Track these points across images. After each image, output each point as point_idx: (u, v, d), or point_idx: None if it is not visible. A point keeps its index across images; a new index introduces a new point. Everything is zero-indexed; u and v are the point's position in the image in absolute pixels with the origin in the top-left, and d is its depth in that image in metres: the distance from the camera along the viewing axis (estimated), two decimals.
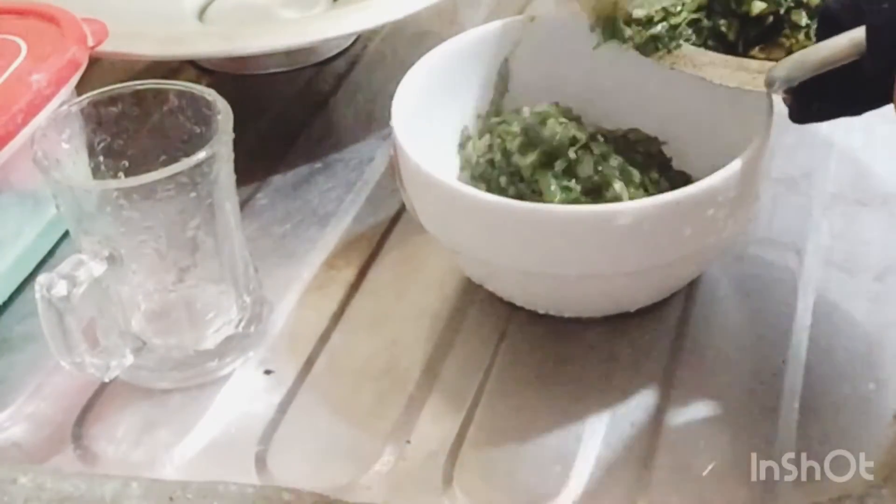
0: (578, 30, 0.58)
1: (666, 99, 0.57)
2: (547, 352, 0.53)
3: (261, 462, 0.49)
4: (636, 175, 0.54)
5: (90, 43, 0.57)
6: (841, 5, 0.46)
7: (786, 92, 0.48)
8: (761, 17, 0.53)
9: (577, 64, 0.58)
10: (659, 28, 0.52)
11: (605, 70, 0.58)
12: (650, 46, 0.53)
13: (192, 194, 0.49)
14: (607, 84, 0.58)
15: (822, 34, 0.46)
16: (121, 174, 0.53)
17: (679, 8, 0.53)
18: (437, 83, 0.56)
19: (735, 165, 0.49)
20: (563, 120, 0.55)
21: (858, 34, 0.44)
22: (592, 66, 0.58)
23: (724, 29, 0.53)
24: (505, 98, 0.59)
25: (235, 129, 0.50)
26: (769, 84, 0.48)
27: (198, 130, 0.52)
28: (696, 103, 0.56)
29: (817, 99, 0.48)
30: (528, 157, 0.53)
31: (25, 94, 0.53)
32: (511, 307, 0.55)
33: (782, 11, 0.53)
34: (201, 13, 0.72)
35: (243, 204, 0.61)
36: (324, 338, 0.55)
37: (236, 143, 0.50)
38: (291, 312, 0.56)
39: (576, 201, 0.52)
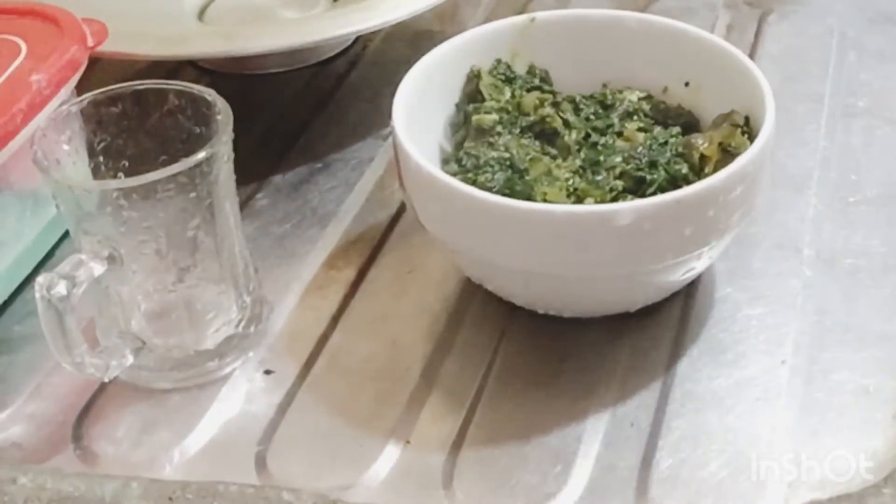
0: (578, 30, 0.58)
1: (667, 101, 0.57)
2: (547, 352, 0.53)
3: (261, 462, 0.49)
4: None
5: (90, 43, 0.57)
6: None
7: None
8: None
9: (578, 64, 0.58)
10: None
11: (605, 71, 0.58)
12: None
13: (192, 194, 0.49)
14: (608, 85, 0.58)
15: None
16: (121, 174, 0.53)
17: None
18: (437, 83, 0.56)
19: (735, 165, 0.49)
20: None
21: None
22: (592, 67, 0.58)
23: None
24: None
25: (235, 129, 0.50)
26: None
27: (198, 130, 0.52)
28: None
29: None
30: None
31: (25, 94, 0.53)
32: (511, 307, 0.55)
33: None
34: (201, 13, 0.72)
35: (243, 204, 0.61)
36: (324, 338, 0.55)
37: (236, 143, 0.50)
38: (291, 312, 0.56)
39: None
